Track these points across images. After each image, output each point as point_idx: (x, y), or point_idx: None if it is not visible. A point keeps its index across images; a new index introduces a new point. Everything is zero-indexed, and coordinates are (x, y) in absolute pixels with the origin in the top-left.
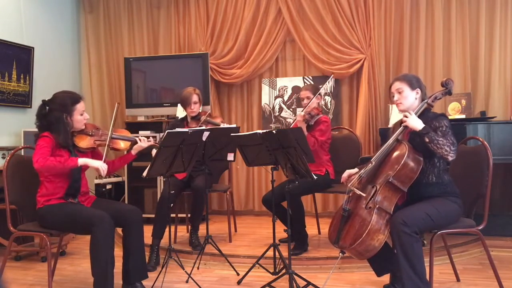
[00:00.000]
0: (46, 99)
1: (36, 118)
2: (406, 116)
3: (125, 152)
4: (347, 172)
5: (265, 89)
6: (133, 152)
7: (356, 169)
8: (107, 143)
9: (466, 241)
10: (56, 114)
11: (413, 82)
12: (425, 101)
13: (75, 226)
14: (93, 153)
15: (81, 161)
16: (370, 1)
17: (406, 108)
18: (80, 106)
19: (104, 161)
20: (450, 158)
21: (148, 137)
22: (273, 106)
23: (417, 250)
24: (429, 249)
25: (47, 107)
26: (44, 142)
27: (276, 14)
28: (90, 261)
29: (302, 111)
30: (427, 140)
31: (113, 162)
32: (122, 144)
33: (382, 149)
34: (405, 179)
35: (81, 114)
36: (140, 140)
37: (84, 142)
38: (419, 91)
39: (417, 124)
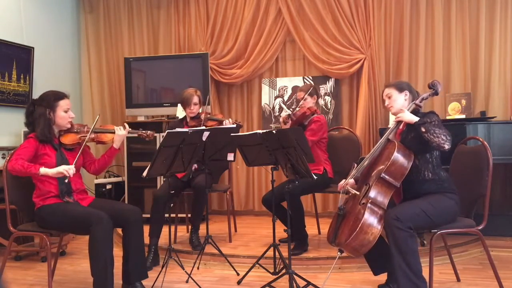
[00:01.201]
0: (35, 99)
1: (25, 117)
2: (398, 116)
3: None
4: (344, 181)
5: (265, 89)
6: (114, 145)
7: (352, 180)
8: (86, 137)
9: (466, 241)
10: (40, 110)
11: (401, 86)
12: (413, 102)
13: (74, 226)
14: (83, 150)
15: (42, 170)
16: (370, 1)
17: (397, 111)
18: (63, 103)
19: (76, 162)
20: (446, 147)
21: (124, 126)
22: (273, 106)
23: (411, 245)
24: (429, 249)
25: (35, 106)
26: (26, 143)
27: (276, 14)
28: (90, 261)
29: (284, 112)
30: (423, 130)
31: (99, 160)
32: (106, 137)
33: (374, 149)
34: (396, 174)
35: (65, 111)
36: (119, 129)
37: (68, 139)
38: (407, 93)
39: (411, 117)
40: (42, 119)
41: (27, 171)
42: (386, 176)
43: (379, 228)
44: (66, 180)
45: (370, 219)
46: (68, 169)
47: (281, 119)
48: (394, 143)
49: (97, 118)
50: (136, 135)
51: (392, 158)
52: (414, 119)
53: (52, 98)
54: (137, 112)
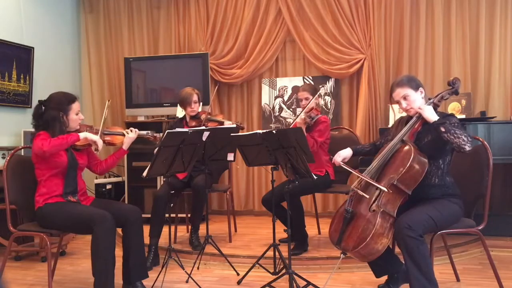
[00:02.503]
0: (43, 100)
1: (33, 118)
2: (420, 108)
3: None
4: (341, 156)
5: (265, 89)
6: (124, 146)
7: (349, 150)
8: (99, 133)
9: (466, 241)
10: (52, 113)
11: (413, 84)
12: (431, 100)
13: (76, 226)
14: (89, 151)
15: (82, 135)
16: (370, 1)
17: (419, 110)
18: (75, 106)
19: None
20: (467, 149)
21: (131, 129)
22: (273, 106)
23: (422, 252)
24: (429, 249)
25: (43, 107)
26: (43, 135)
27: (276, 14)
28: (91, 260)
29: (302, 113)
30: (443, 129)
31: (106, 160)
32: (116, 139)
33: (387, 149)
34: (410, 182)
35: (77, 114)
36: (127, 132)
37: (80, 140)
38: (423, 90)
39: (431, 114)
40: (57, 123)
41: (68, 141)
42: (399, 184)
43: (389, 238)
44: (97, 152)
45: (382, 228)
46: (101, 143)
47: (301, 121)
48: (410, 148)
49: (107, 104)
50: (144, 137)
51: (407, 165)
52: (434, 117)
53: (66, 101)
54: (137, 112)
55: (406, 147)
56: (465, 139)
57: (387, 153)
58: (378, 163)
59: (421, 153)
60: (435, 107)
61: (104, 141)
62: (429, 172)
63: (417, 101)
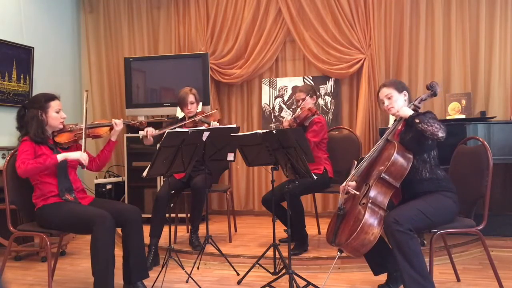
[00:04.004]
0: (25, 102)
1: (16, 121)
2: (397, 110)
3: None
4: (345, 183)
5: (265, 89)
6: (112, 138)
7: (354, 183)
8: (83, 131)
9: (466, 241)
10: (31, 112)
11: (399, 86)
12: (412, 103)
13: (76, 226)
14: (77, 146)
15: (60, 156)
16: (370, 1)
17: (397, 111)
18: (54, 104)
19: (84, 151)
20: (440, 135)
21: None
22: (273, 106)
23: (413, 247)
24: (429, 249)
25: (26, 110)
26: (24, 146)
27: (276, 14)
28: (91, 260)
29: (290, 116)
30: (417, 120)
31: (99, 155)
32: (101, 130)
33: (373, 149)
34: (396, 175)
35: (57, 112)
36: (116, 124)
37: (64, 138)
38: (407, 93)
39: (407, 112)
40: (34, 120)
41: (45, 165)
42: (386, 177)
43: (379, 228)
44: (84, 168)
45: (371, 219)
46: (85, 158)
47: (286, 123)
48: (394, 144)
49: (85, 94)
50: (130, 124)
51: (392, 158)
52: (409, 113)
53: (43, 99)
54: (137, 112)
55: (390, 144)
56: (438, 126)
57: (375, 152)
58: (367, 161)
59: (406, 150)
60: (416, 108)
61: (89, 135)
62: (417, 167)
63: (398, 101)
